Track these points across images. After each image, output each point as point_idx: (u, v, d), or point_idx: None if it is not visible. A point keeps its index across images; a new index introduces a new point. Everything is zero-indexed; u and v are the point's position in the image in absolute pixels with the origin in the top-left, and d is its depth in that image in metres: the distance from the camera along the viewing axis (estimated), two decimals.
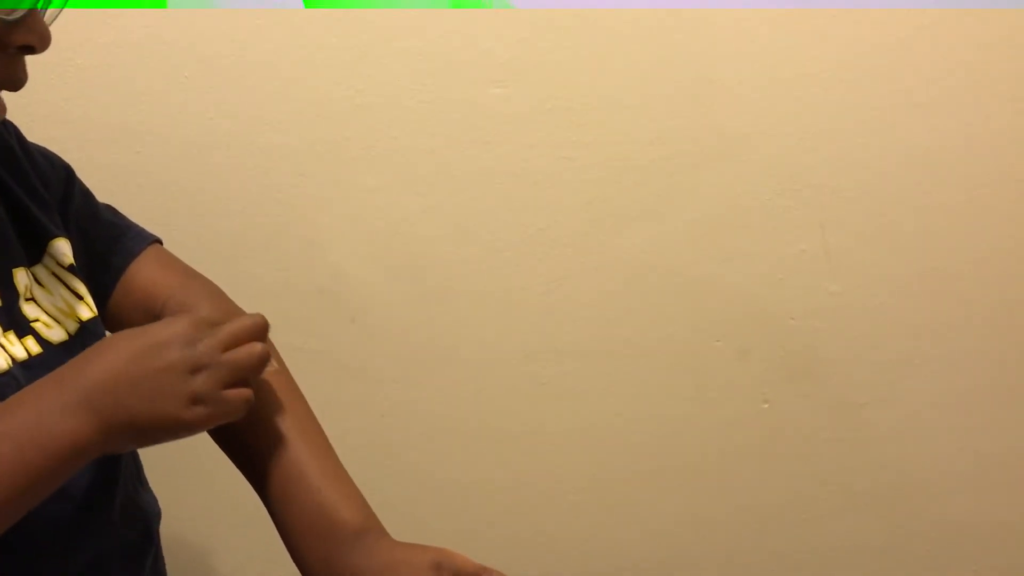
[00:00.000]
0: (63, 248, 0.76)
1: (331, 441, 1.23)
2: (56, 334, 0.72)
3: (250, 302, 1.17)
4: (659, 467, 1.22)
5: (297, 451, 0.76)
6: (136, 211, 1.12)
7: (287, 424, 0.78)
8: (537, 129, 1.13)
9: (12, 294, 0.70)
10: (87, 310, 0.76)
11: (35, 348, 0.69)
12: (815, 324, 1.16)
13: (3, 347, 0.67)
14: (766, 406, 1.19)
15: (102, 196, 0.87)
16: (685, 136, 1.13)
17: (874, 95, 1.11)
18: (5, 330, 0.68)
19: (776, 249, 1.15)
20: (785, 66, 1.10)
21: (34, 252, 0.74)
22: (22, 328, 0.70)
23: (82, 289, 0.76)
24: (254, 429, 0.76)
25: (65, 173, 0.83)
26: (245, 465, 0.78)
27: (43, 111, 1.06)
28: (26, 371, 0.68)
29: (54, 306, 0.73)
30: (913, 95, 1.10)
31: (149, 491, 0.86)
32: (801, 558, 1.22)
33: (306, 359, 1.19)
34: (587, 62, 1.10)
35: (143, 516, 0.81)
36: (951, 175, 1.11)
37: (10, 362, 0.66)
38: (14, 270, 0.71)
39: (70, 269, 0.76)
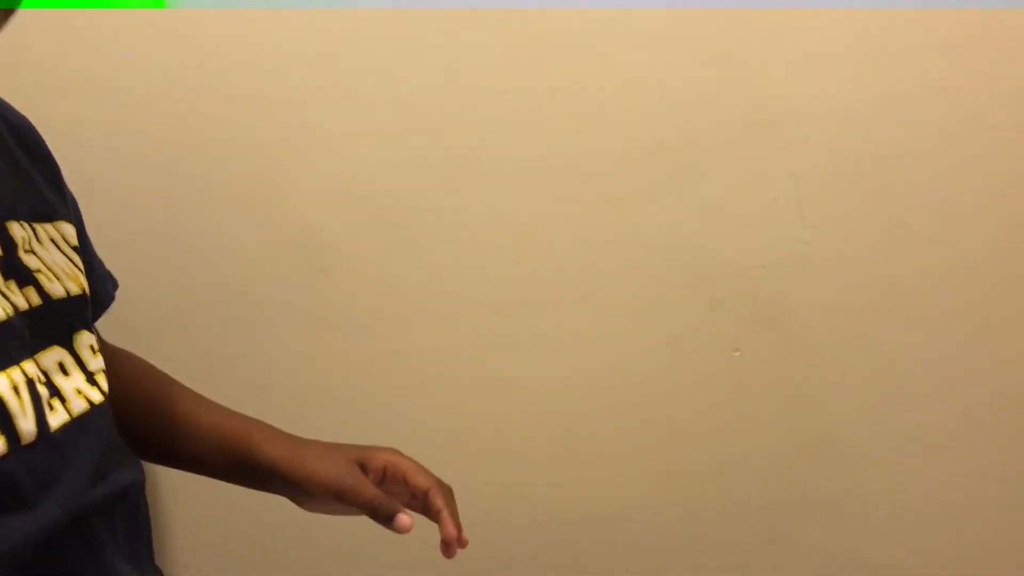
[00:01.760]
0: (70, 231, 0.75)
1: (302, 392, 1.22)
2: (56, 289, 0.69)
3: (219, 253, 1.15)
4: (630, 417, 1.23)
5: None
6: (99, 160, 1.08)
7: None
8: (511, 74, 1.11)
9: (10, 244, 0.67)
10: (87, 286, 0.75)
11: (36, 299, 0.67)
12: (786, 273, 1.17)
13: (4, 295, 0.64)
14: (737, 355, 1.20)
15: (56, 140, 0.83)
16: (654, 85, 1.12)
17: (844, 43, 1.11)
18: (6, 279, 0.65)
19: (747, 198, 1.15)
20: (756, 15, 1.10)
21: (35, 213, 0.72)
22: (23, 277, 0.67)
23: (82, 267, 0.75)
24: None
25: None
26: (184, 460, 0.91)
27: None
28: (28, 321, 0.65)
29: (56, 263, 0.71)
30: (884, 43, 1.11)
31: (130, 457, 0.84)
32: (772, 507, 1.24)
33: (276, 310, 1.17)
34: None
35: (120, 480, 0.79)
36: (924, 125, 1.13)
37: (11, 311, 0.63)
38: (9, 222, 0.68)
39: (74, 249, 0.75)
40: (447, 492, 0.87)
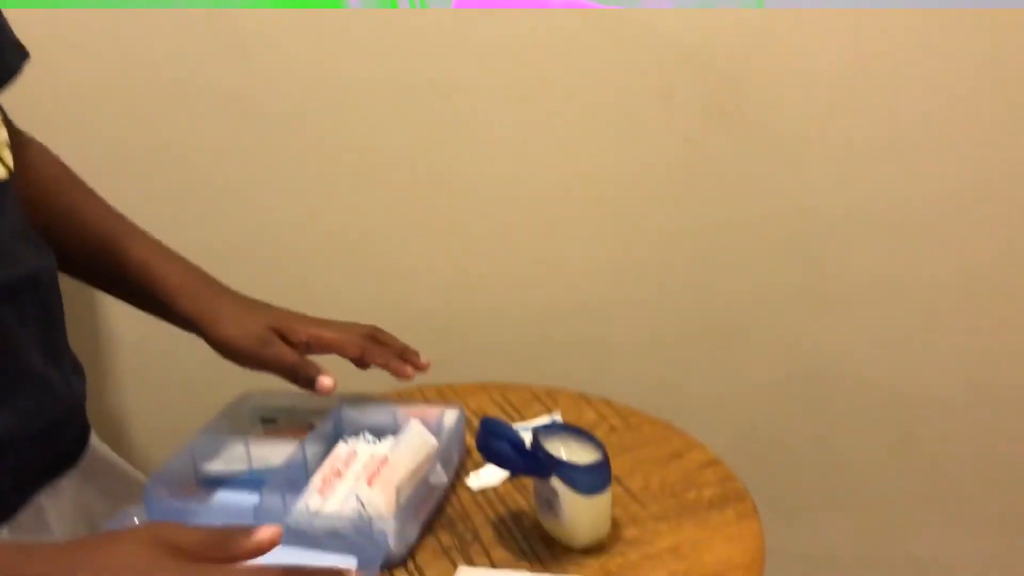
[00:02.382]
0: None
1: (213, 177, 1.15)
2: None
3: (126, 29, 1.06)
4: (575, 209, 1.18)
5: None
6: None
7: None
8: None
9: None
10: None
11: None
12: (742, 58, 1.11)
13: None
14: (688, 145, 1.15)
15: None
16: None
17: None
18: None
19: None
20: None
21: None
22: None
23: None
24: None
25: None
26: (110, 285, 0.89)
27: None
28: None
29: None
30: None
31: (35, 245, 0.81)
32: (724, 300, 1.22)
33: (190, 90, 1.10)
34: None
35: (28, 264, 0.77)
36: None
37: None
38: None
39: None
40: (379, 343, 0.89)
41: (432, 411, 0.92)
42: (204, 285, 0.87)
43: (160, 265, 0.86)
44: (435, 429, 0.90)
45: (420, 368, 0.89)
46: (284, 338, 0.85)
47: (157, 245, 0.88)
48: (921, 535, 1.36)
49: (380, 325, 1.19)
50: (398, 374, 0.88)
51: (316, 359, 0.86)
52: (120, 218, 0.90)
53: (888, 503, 1.34)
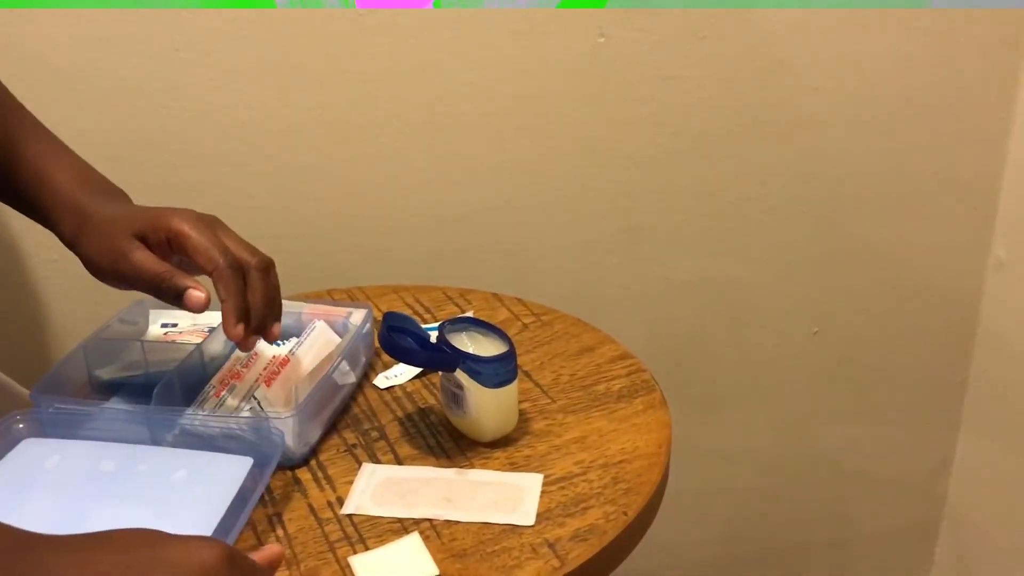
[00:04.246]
0: None
1: (117, 85, 1.11)
2: None
3: None
4: (481, 107, 1.15)
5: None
6: None
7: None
8: None
9: None
10: None
11: None
12: None
13: None
14: (601, 40, 1.12)
15: None
16: None
17: None
18: None
19: None
20: None
21: None
22: None
23: None
24: None
25: None
26: None
27: None
28: None
29: None
30: None
31: None
32: (634, 195, 1.21)
33: None
34: None
35: None
36: None
37: None
38: None
39: None
40: (235, 273, 0.72)
41: (338, 311, 0.90)
42: (83, 198, 0.76)
43: (51, 176, 0.77)
44: (341, 329, 0.88)
45: (268, 338, 0.75)
46: (146, 240, 0.73)
47: (50, 146, 0.80)
48: (829, 428, 1.39)
49: (289, 229, 1.17)
50: (225, 328, 0.72)
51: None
52: (8, 99, 0.82)
53: (798, 397, 1.37)
